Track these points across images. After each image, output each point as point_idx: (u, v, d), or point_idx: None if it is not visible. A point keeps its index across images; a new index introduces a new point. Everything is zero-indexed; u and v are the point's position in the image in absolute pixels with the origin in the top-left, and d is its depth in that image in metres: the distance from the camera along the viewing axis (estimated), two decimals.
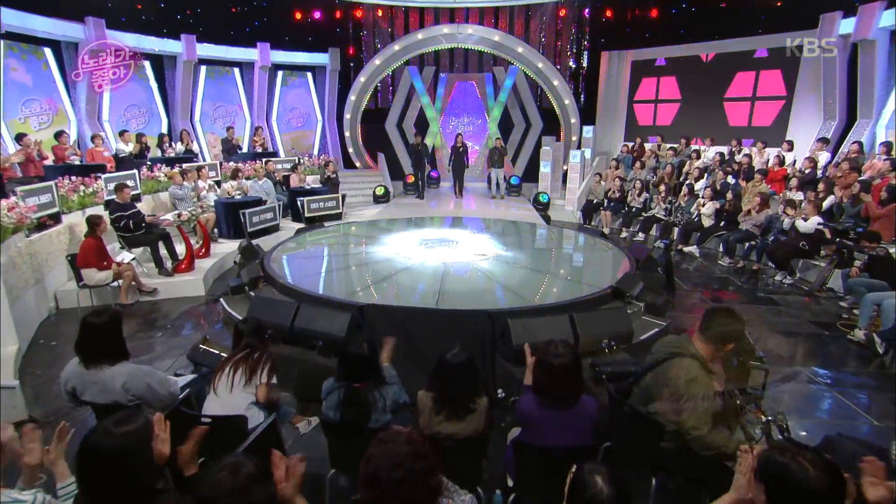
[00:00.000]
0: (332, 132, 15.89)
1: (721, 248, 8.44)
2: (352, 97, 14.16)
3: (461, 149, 12.77)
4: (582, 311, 4.58)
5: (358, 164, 15.26)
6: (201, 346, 3.98)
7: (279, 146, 15.18)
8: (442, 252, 6.68)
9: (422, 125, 15.24)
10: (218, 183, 10.08)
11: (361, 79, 13.89)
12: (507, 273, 5.93)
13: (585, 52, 15.23)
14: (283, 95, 15.19)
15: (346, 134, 14.81)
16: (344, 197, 10.91)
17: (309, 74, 15.59)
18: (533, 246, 7.94)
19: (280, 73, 14.93)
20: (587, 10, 14.96)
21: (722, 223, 8.73)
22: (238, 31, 13.82)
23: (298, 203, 10.00)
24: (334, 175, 11.84)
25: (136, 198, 8.16)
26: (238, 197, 9.24)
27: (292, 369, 4.22)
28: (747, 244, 8.10)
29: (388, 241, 7.39)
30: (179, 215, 6.84)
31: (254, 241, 7.66)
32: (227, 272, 7.41)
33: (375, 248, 7.12)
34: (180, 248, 7.21)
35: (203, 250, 7.53)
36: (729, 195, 8.84)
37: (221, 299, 5.82)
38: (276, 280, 5.69)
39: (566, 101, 13.53)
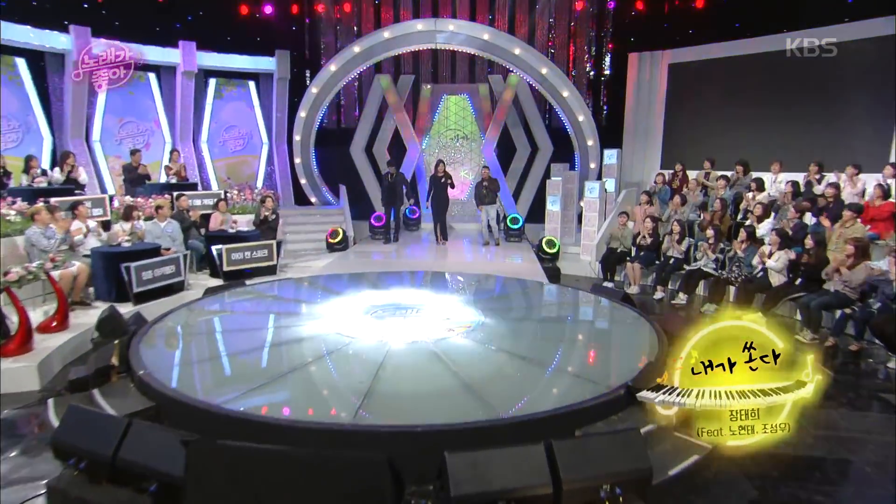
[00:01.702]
0: (282, 158, 15.93)
1: (799, 318, 7.87)
2: (301, 113, 14.15)
3: (443, 180, 12.53)
4: (572, 426, 4.01)
5: (313, 200, 15.23)
6: None
7: (210, 176, 15.10)
8: (394, 325, 6.33)
9: (397, 149, 15.23)
10: (107, 224, 9.59)
11: (313, 90, 13.90)
12: (478, 361, 5.44)
13: (608, 55, 15.25)
14: (216, 110, 15.21)
15: (297, 161, 14.79)
16: (280, 244, 10.60)
17: (251, 84, 15.67)
18: (524, 316, 7.56)
19: (212, 82, 14.97)
20: (611, 1, 14.97)
21: (799, 281, 8.16)
22: (163, 25, 13.81)
23: (213, 253, 9.63)
24: (273, 215, 11.38)
25: None
26: (127, 245, 8.68)
27: None
28: (839, 312, 7.42)
29: (325, 308, 7.13)
30: (6, 274, 6.05)
31: (144, 305, 7.33)
32: (88, 354, 6.66)
33: (304, 318, 6.83)
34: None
35: (56, 321, 6.75)
36: (808, 241, 8.21)
37: (50, 401, 5.07)
38: (136, 371, 5.07)
39: (580, 118, 13.42)
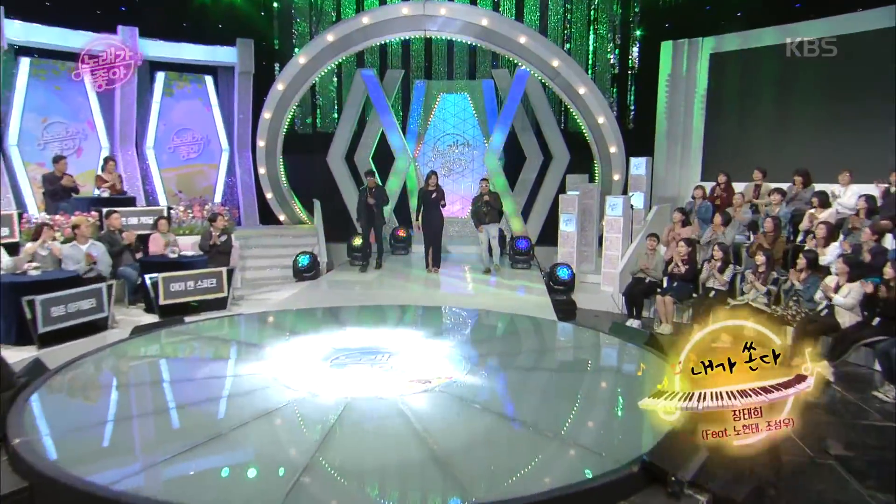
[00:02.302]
0: (246, 168, 16.04)
1: (878, 368, 7.62)
2: (266, 114, 14.19)
3: (434, 194, 12.44)
4: None
5: (282, 218, 15.33)
6: None
7: (158, 189, 15.07)
8: (358, 375, 6.30)
9: (383, 158, 15.26)
10: (14, 247, 9.46)
11: (279, 86, 13.95)
12: (456, 424, 5.34)
13: (636, 44, 15.38)
14: (165, 110, 15.21)
15: (261, 171, 14.85)
16: (231, 273, 10.49)
17: (208, 79, 15.78)
18: (523, 364, 7.39)
19: (160, 76, 15.00)
20: None
21: (876, 321, 7.95)
22: (102, 8, 13.89)
23: (147, 283, 9.59)
24: (225, 237, 11.17)
25: None
26: (35, 273, 8.53)
27: None
28: None
29: (275, 353, 7.10)
30: None
31: (51, 349, 7.28)
32: None
33: (247, 365, 6.79)
34: None
35: None
36: (887, 270, 7.97)
37: None
38: (10, 439, 4.85)
39: (600, 120, 13.37)
